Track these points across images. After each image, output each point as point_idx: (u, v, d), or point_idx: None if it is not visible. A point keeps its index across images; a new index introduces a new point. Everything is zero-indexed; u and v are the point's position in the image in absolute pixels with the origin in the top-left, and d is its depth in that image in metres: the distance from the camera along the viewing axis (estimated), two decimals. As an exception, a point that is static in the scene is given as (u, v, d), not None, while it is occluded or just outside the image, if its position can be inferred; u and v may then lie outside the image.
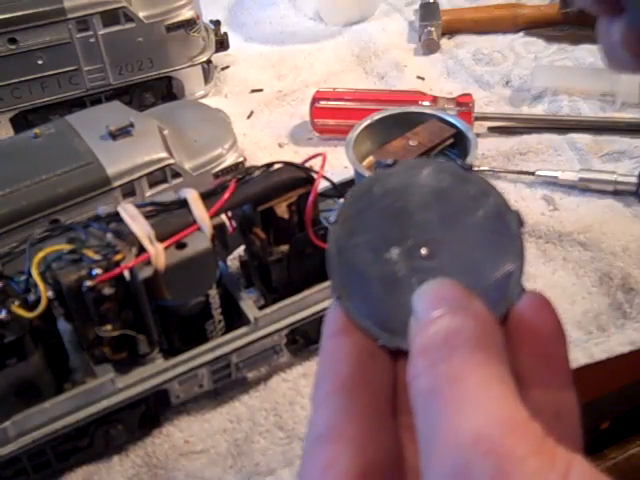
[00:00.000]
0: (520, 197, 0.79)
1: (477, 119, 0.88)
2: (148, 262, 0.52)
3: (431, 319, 0.27)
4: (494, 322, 0.27)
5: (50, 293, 0.51)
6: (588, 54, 0.99)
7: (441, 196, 0.32)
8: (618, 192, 0.77)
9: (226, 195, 0.56)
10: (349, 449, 0.27)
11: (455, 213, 0.32)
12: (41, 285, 0.51)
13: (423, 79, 0.98)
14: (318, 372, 0.30)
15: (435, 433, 0.24)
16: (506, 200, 0.31)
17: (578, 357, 0.64)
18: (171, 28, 0.88)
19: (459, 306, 0.27)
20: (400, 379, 0.30)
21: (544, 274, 0.71)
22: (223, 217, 0.57)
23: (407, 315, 0.29)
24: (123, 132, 0.71)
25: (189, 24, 0.89)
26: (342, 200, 0.33)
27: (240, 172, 0.58)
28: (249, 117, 0.95)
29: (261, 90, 0.99)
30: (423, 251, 0.31)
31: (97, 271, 0.51)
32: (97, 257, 0.52)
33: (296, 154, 0.88)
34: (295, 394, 0.63)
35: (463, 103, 0.87)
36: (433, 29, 1.03)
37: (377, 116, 0.66)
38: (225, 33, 0.98)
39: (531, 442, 0.23)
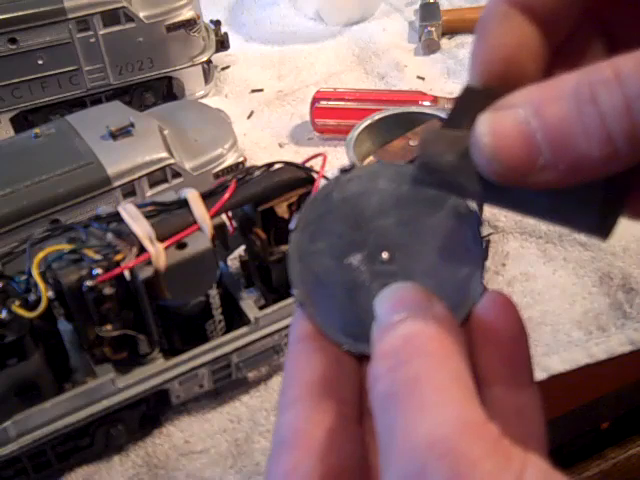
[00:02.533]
0: (520, 197, 0.79)
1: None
2: (148, 262, 0.52)
3: (392, 323, 0.27)
4: (454, 324, 0.27)
5: (50, 293, 0.51)
6: (588, 54, 0.99)
7: (400, 200, 0.32)
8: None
9: (226, 195, 0.56)
10: (312, 455, 0.27)
11: (414, 217, 0.32)
12: (41, 285, 0.51)
13: (423, 79, 0.98)
14: (284, 378, 0.30)
15: (392, 437, 0.24)
16: (465, 202, 0.31)
17: (578, 357, 0.64)
18: (171, 28, 0.88)
19: (419, 309, 0.27)
20: (365, 384, 0.30)
21: (544, 274, 0.71)
22: (223, 217, 0.57)
23: (370, 320, 0.29)
24: (123, 132, 0.71)
25: (189, 24, 0.89)
26: (303, 206, 0.33)
27: (240, 172, 0.58)
28: (249, 117, 0.95)
29: (261, 90, 0.99)
30: (384, 255, 0.31)
31: (97, 271, 0.51)
32: (98, 257, 0.52)
33: (296, 154, 0.88)
34: (295, 394, 0.63)
35: (463, 103, 0.87)
36: (433, 29, 1.03)
37: (377, 116, 0.66)
38: (225, 33, 0.98)
39: (486, 443, 0.23)
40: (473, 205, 0.31)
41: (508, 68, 0.29)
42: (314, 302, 0.31)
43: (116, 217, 0.54)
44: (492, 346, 0.29)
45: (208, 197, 0.56)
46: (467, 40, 1.05)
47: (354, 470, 0.28)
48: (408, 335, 0.26)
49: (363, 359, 0.30)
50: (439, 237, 0.31)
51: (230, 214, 0.61)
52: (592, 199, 0.26)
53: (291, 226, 0.33)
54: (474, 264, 0.30)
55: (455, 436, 0.23)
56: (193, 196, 0.55)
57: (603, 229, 0.27)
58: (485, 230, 0.66)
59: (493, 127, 0.25)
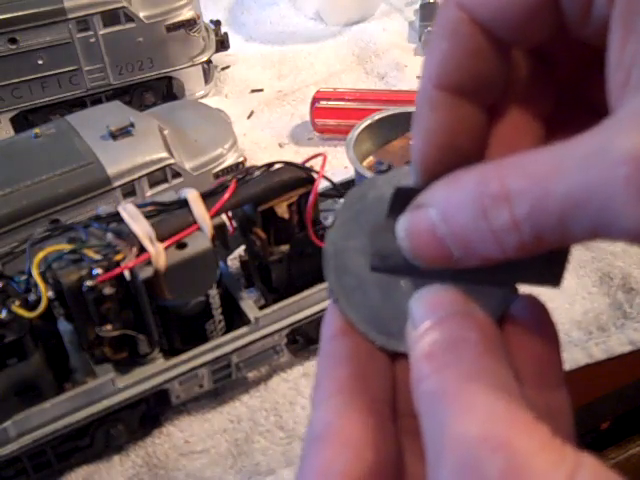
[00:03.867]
0: (520, 197, 0.79)
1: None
2: (148, 262, 0.52)
3: (431, 325, 0.27)
4: (495, 327, 0.28)
5: (50, 293, 0.51)
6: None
7: None
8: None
9: (226, 195, 0.56)
10: (347, 451, 0.27)
11: None
12: (41, 285, 0.51)
13: (423, 79, 0.98)
14: (317, 374, 0.30)
15: (443, 433, 0.24)
16: None
17: (578, 357, 0.64)
18: (171, 28, 0.88)
19: (460, 312, 0.27)
20: (399, 381, 0.30)
21: (544, 274, 0.71)
22: (223, 217, 0.57)
23: (404, 319, 0.29)
24: (123, 132, 0.71)
25: (189, 24, 0.89)
26: (340, 204, 0.34)
27: (240, 172, 0.58)
28: (249, 117, 0.95)
29: (261, 90, 0.99)
30: None
31: (98, 271, 0.51)
32: (98, 257, 0.52)
33: (296, 154, 0.88)
34: (295, 394, 0.63)
35: (463, 103, 0.87)
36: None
37: (377, 116, 0.66)
38: (225, 33, 0.98)
39: (540, 439, 0.23)
40: None
41: (445, 154, 0.29)
42: (348, 299, 0.32)
43: (116, 217, 0.54)
44: (525, 348, 0.29)
45: (208, 197, 0.56)
46: (467, 40, 1.05)
47: (390, 468, 0.28)
48: (452, 336, 0.26)
49: (396, 356, 0.30)
50: None
51: (230, 214, 0.61)
52: (534, 262, 0.28)
53: (327, 223, 0.33)
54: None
55: (508, 431, 0.23)
56: (193, 196, 0.55)
57: (554, 279, 0.30)
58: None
59: (409, 228, 0.28)
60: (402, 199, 0.29)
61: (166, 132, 0.75)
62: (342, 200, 0.34)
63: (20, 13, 0.81)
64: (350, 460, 0.27)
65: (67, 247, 0.52)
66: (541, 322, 0.29)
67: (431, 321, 0.27)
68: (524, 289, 0.30)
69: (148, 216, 0.54)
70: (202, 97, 0.96)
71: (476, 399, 0.24)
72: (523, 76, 0.30)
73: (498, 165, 0.25)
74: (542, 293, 0.29)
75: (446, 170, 0.28)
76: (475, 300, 0.29)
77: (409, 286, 0.31)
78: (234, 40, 1.02)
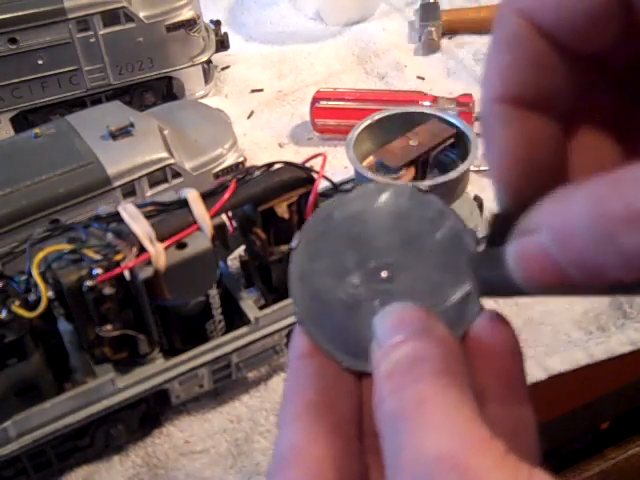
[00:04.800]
0: (520, 197, 0.79)
1: (477, 119, 0.88)
2: (148, 262, 0.52)
3: (393, 344, 0.27)
4: (456, 345, 0.28)
5: (50, 293, 0.51)
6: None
7: (399, 220, 0.33)
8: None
9: (226, 195, 0.56)
10: (311, 472, 0.27)
11: (414, 236, 0.32)
12: (41, 285, 0.51)
13: (423, 79, 0.98)
14: (284, 394, 0.30)
15: (400, 454, 0.25)
16: (462, 220, 0.32)
17: (578, 357, 0.64)
18: (171, 28, 0.88)
19: (421, 330, 0.28)
20: (365, 401, 0.30)
21: (544, 274, 0.71)
22: (223, 217, 0.57)
23: (370, 338, 0.29)
24: (123, 132, 0.71)
25: (189, 24, 0.89)
26: (303, 225, 0.34)
27: (240, 172, 0.58)
28: (249, 117, 0.95)
29: (261, 90, 0.99)
30: (383, 274, 0.32)
31: (97, 271, 0.51)
32: (98, 257, 0.52)
33: (296, 154, 0.88)
34: (295, 394, 0.63)
35: (463, 103, 0.87)
36: (433, 29, 1.03)
37: (377, 116, 0.66)
38: (225, 33, 0.98)
39: (494, 457, 0.23)
40: (469, 225, 0.32)
41: (527, 171, 0.28)
42: (314, 320, 0.32)
43: (116, 217, 0.54)
44: (488, 364, 0.29)
45: (208, 197, 0.56)
46: (467, 40, 1.05)
47: None
48: (411, 356, 0.27)
49: (363, 376, 0.30)
50: (438, 256, 0.32)
51: (230, 214, 0.61)
52: None
53: (292, 245, 0.33)
54: (472, 283, 0.31)
55: (463, 451, 0.23)
56: (193, 196, 0.55)
57: None
58: (485, 230, 0.65)
59: (520, 255, 0.26)
60: (501, 226, 0.28)
61: (166, 132, 0.75)
62: (304, 223, 0.34)
63: (20, 13, 0.81)
64: None
65: (67, 247, 0.52)
66: (504, 338, 0.29)
67: (393, 340, 0.28)
68: (488, 305, 0.30)
69: (148, 216, 0.54)
70: (202, 97, 0.96)
71: (432, 419, 0.24)
72: (589, 83, 0.28)
73: (614, 182, 0.23)
74: (497, 311, 0.30)
75: (533, 189, 0.26)
76: (438, 317, 0.29)
77: (375, 305, 0.31)
78: (234, 40, 1.02)
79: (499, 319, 0.30)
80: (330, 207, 0.34)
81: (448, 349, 0.27)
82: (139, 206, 0.55)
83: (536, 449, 0.29)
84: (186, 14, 0.88)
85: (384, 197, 0.33)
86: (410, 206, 0.33)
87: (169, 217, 0.55)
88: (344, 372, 0.30)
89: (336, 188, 0.63)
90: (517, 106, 0.27)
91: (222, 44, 0.97)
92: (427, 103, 0.88)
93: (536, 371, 0.63)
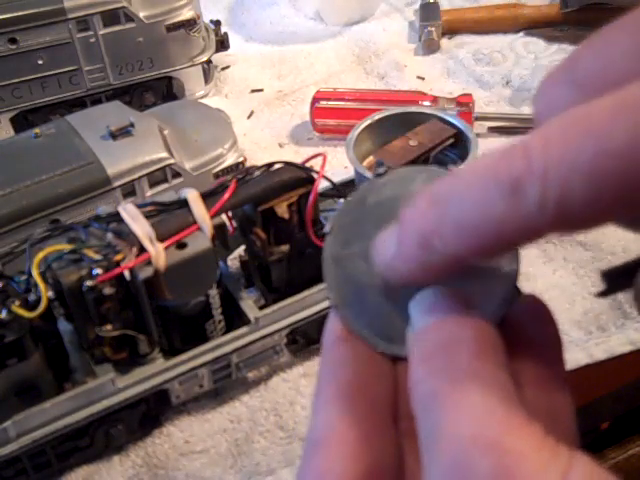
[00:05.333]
0: (520, 197, 0.79)
1: (477, 119, 0.88)
2: (148, 262, 0.52)
3: (429, 326, 0.27)
4: (492, 329, 0.28)
5: (50, 293, 0.51)
6: (588, 54, 0.99)
7: None
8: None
9: (226, 195, 0.56)
10: (346, 455, 0.27)
11: None
12: (41, 285, 0.51)
13: (423, 79, 0.98)
14: (318, 379, 0.30)
15: (436, 435, 0.24)
16: None
17: (578, 357, 0.64)
18: (171, 28, 0.88)
19: (457, 314, 0.27)
20: (400, 385, 0.30)
21: (544, 274, 0.71)
22: (223, 217, 0.57)
23: (404, 323, 0.29)
24: (123, 132, 0.71)
25: (189, 24, 0.89)
26: (336, 210, 0.33)
27: (240, 172, 0.58)
28: (249, 117, 0.95)
29: (261, 90, 0.99)
30: None
31: (97, 271, 0.51)
32: (97, 257, 0.52)
33: (296, 154, 0.88)
34: (295, 394, 0.63)
35: (463, 103, 0.87)
36: (433, 29, 1.03)
37: (377, 116, 0.66)
38: (225, 33, 0.98)
39: (532, 440, 0.23)
40: None
41: None
42: (348, 304, 0.32)
43: (116, 217, 0.54)
44: (526, 349, 0.29)
45: (208, 197, 0.56)
46: (467, 40, 1.05)
47: (389, 472, 0.28)
48: (447, 338, 0.27)
49: (397, 361, 0.30)
50: None
51: (230, 214, 0.61)
52: None
53: (326, 230, 0.33)
54: (509, 267, 0.30)
55: (500, 432, 0.23)
56: (193, 196, 0.55)
57: None
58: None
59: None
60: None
61: (166, 132, 0.75)
62: (339, 206, 0.33)
63: (20, 13, 0.81)
64: (348, 464, 0.27)
65: (67, 247, 0.52)
66: (543, 322, 0.29)
67: (428, 323, 0.28)
68: (526, 289, 0.30)
69: (148, 216, 0.54)
70: (202, 97, 0.96)
71: (468, 400, 0.24)
72: None
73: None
74: (542, 292, 0.30)
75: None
76: (475, 301, 0.28)
77: (409, 290, 0.30)
78: (234, 40, 1.02)
79: (538, 304, 0.30)
80: (363, 192, 0.34)
81: (484, 332, 0.27)
82: (139, 206, 0.55)
83: (575, 435, 0.28)
84: (186, 14, 0.88)
85: (418, 181, 0.33)
86: None
87: (169, 217, 0.55)
88: (379, 356, 0.30)
89: (336, 188, 0.63)
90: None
91: (222, 44, 0.97)
92: (427, 103, 0.88)
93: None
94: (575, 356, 0.64)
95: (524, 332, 0.29)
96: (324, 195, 0.63)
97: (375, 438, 0.28)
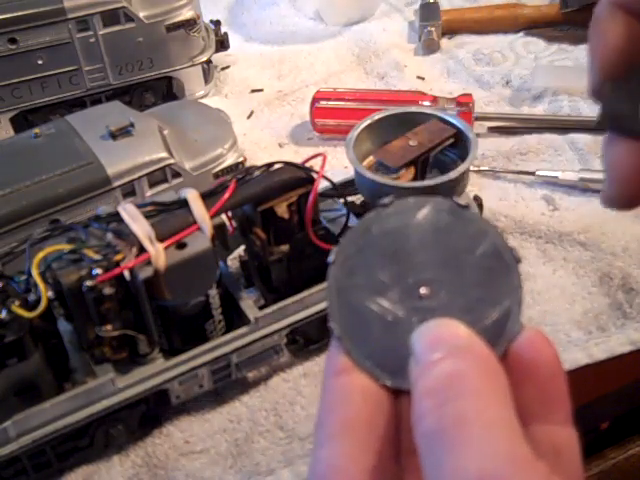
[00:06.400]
0: (520, 197, 0.79)
1: (477, 119, 0.88)
2: (148, 262, 0.52)
3: (433, 360, 0.27)
4: (496, 362, 0.27)
5: (50, 293, 0.51)
6: (588, 54, 0.99)
7: (439, 236, 0.33)
8: (618, 192, 0.77)
9: (226, 195, 0.56)
10: None
11: (454, 252, 0.32)
12: (41, 285, 0.51)
13: (423, 79, 0.98)
14: (320, 411, 0.30)
15: (440, 470, 0.24)
16: (503, 237, 0.32)
17: (578, 357, 0.64)
18: (171, 28, 0.88)
19: (460, 347, 0.27)
20: (403, 419, 0.30)
21: (544, 274, 0.71)
22: (223, 217, 0.57)
23: (407, 355, 0.29)
24: (123, 132, 0.71)
25: (189, 24, 0.89)
26: (341, 240, 0.33)
27: (240, 172, 0.58)
28: (249, 117, 0.95)
29: (261, 90, 0.99)
30: (422, 291, 0.32)
31: (97, 271, 0.51)
32: (97, 257, 0.52)
33: (296, 154, 0.88)
34: (295, 394, 0.63)
35: (463, 103, 0.87)
36: (433, 29, 1.03)
37: (377, 116, 0.66)
38: (225, 33, 0.98)
39: (538, 478, 0.23)
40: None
41: (622, 57, 0.34)
42: (351, 336, 0.31)
43: (116, 217, 0.54)
44: (530, 384, 0.29)
45: (208, 197, 0.56)
46: (467, 40, 1.05)
47: None
48: (451, 373, 0.26)
49: (400, 394, 0.30)
50: (478, 273, 0.32)
51: (230, 214, 0.61)
52: None
53: (329, 260, 0.33)
54: (511, 301, 0.31)
55: (506, 470, 0.23)
56: (193, 196, 0.55)
57: None
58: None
59: None
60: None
61: (166, 132, 0.75)
62: (342, 237, 0.33)
63: (20, 13, 0.81)
64: None
65: (67, 247, 0.52)
66: (546, 357, 0.29)
67: (432, 357, 0.27)
68: (529, 324, 0.30)
69: (148, 216, 0.54)
70: (202, 97, 0.96)
71: (473, 435, 0.24)
72: None
73: None
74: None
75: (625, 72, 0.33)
76: (478, 334, 0.28)
77: (413, 322, 0.31)
78: (234, 40, 1.02)
79: (541, 337, 0.30)
80: (368, 221, 0.34)
81: (488, 366, 0.27)
82: (139, 206, 0.55)
83: (580, 470, 0.28)
84: (186, 14, 0.88)
85: (423, 212, 0.33)
86: (449, 221, 0.33)
87: (169, 217, 0.55)
88: (381, 389, 0.30)
89: (336, 188, 0.63)
90: (625, 11, 0.35)
91: (222, 44, 0.97)
92: (427, 103, 0.88)
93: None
94: (575, 356, 0.64)
95: (527, 366, 0.29)
96: (324, 195, 0.63)
97: (378, 474, 0.28)
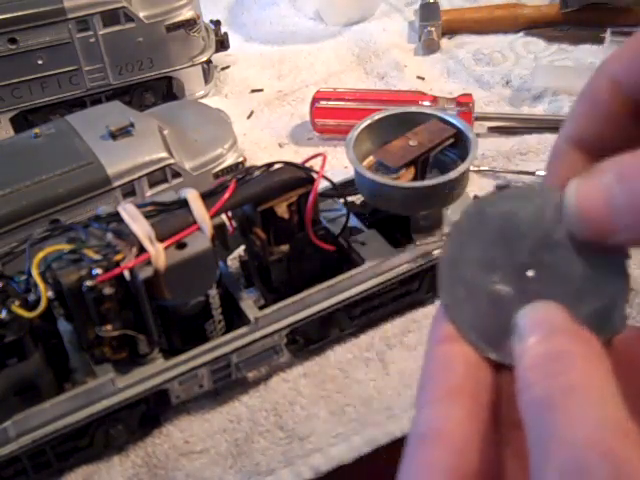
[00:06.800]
0: (520, 197, 0.79)
1: (477, 119, 0.88)
2: (148, 262, 0.52)
3: (539, 339, 0.28)
4: (601, 347, 0.28)
5: (50, 293, 0.51)
6: (588, 54, 0.99)
7: (549, 223, 0.34)
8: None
9: (226, 195, 0.56)
10: (452, 452, 0.28)
11: (562, 239, 0.33)
12: (41, 285, 0.51)
13: (423, 79, 0.98)
14: (423, 375, 0.31)
15: (549, 438, 0.25)
16: None
17: (578, 357, 0.64)
18: (171, 28, 0.88)
19: (566, 330, 0.28)
20: (504, 393, 0.31)
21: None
22: (223, 217, 0.57)
23: (510, 332, 0.30)
24: (123, 132, 0.71)
25: (189, 24, 0.89)
26: (459, 217, 0.36)
27: (240, 172, 0.58)
28: (249, 117, 0.95)
29: (261, 90, 0.99)
30: (529, 273, 0.33)
31: (97, 271, 0.51)
32: (97, 257, 0.52)
33: (296, 154, 0.88)
34: (295, 394, 0.63)
35: (463, 103, 0.87)
36: (433, 29, 1.03)
37: (377, 116, 0.66)
38: (225, 33, 0.98)
39: None
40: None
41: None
42: (458, 306, 0.33)
43: (116, 217, 0.54)
44: (632, 379, 0.29)
45: (208, 197, 0.56)
46: (467, 40, 1.05)
47: (489, 473, 0.29)
48: (558, 349, 0.27)
49: (501, 369, 0.31)
50: (586, 263, 0.33)
51: (230, 214, 0.61)
52: None
53: (447, 232, 0.35)
54: (618, 295, 0.32)
55: (615, 440, 0.24)
56: (193, 196, 0.55)
57: None
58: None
59: (579, 189, 0.30)
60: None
61: (166, 132, 0.75)
62: (461, 214, 0.36)
63: (20, 13, 0.81)
64: (455, 459, 0.28)
65: (67, 247, 0.52)
66: None
67: (538, 336, 0.28)
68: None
69: (148, 216, 0.54)
70: (202, 97, 0.96)
71: (583, 406, 0.25)
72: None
73: None
74: None
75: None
76: (581, 321, 0.29)
77: (518, 300, 0.32)
78: (234, 40, 1.02)
79: None
80: (483, 203, 0.36)
81: (594, 349, 0.27)
82: (139, 206, 0.55)
83: None
84: (186, 14, 0.88)
85: (537, 201, 0.35)
86: (559, 214, 0.34)
87: (169, 217, 0.55)
88: (483, 362, 0.31)
89: (336, 188, 0.63)
90: (576, 147, 0.34)
91: (222, 44, 0.97)
92: (427, 103, 0.88)
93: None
94: (575, 356, 0.64)
95: (631, 361, 0.30)
96: (324, 195, 0.63)
97: (479, 441, 0.28)
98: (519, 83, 0.95)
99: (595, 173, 0.29)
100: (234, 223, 0.62)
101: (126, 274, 0.53)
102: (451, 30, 1.06)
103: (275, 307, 0.60)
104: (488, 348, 0.31)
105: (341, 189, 0.64)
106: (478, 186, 0.80)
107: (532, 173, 0.80)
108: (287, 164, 0.60)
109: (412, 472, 0.28)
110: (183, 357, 0.58)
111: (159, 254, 0.52)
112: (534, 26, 1.04)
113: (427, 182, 0.60)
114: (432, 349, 0.31)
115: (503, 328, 0.31)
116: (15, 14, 0.81)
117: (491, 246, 0.34)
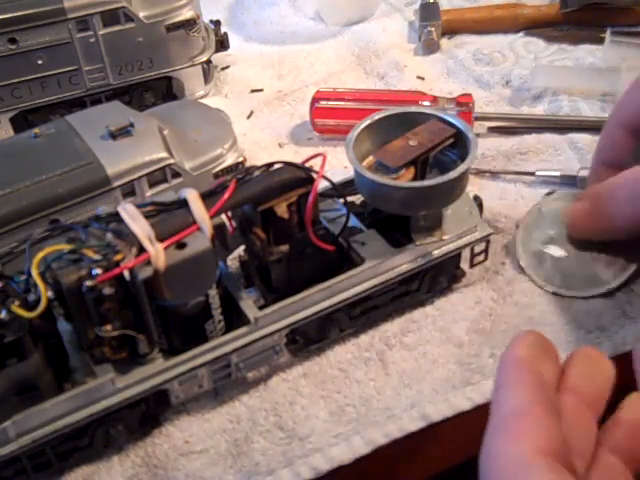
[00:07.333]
0: (520, 197, 0.79)
1: (477, 119, 0.88)
2: (148, 262, 0.52)
3: None
4: None
5: (50, 293, 0.51)
6: (588, 54, 0.99)
7: None
8: (618, 192, 0.77)
9: (226, 195, 0.56)
10: (538, 426, 0.31)
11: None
12: (41, 285, 0.51)
13: (423, 79, 0.98)
14: (503, 362, 0.37)
15: None
16: None
17: (578, 357, 0.64)
18: (171, 28, 0.88)
19: None
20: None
21: (544, 274, 0.71)
22: (223, 217, 0.57)
23: (569, 274, 0.61)
24: (123, 132, 0.71)
25: (189, 24, 0.89)
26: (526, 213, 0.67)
27: (240, 172, 0.58)
28: (249, 117, 0.95)
29: (261, 90, 0.99)
30: (567, 246, 0.66)
31: (97, 271, 0.51)
32: (97, 257, 0.52)
33: (296, 154, 0.88)
34: (295, 394, 0.63)
35: (463, 103, 0.87)
36: (433, 29, 1.03)
37: (377, 116, 0.66)
38: (225, 33, 0.98)
39: None
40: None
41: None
42: (531, 268, 0.67)
43: (116, 217, 0.54)
44: None
45: (208, 197, 0.56)
46: (467, 40, 1.05)
47: (569, 458, 0.33)
48: None
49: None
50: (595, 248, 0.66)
51: (230, 214, 0.61)
52: None
53: (518, 223, 0.70)
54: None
55: None
56: (193, 196, 0.55)
57: None
58: (485, 230, 0.66)
59: (572, 207, 0.65)
60: None
61: (166, 132, 0.75)
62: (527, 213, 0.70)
63: (20, 13, 0.81)
64: (540, 434, 0.31)
65: (67, 247, 0.52)
66: None
67: None
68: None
69: (148, 216, 0.54)
70: (202, 97, 0.96)
71: None
72: None
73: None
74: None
75: None
76: None
77: (571, 260, 0.64)
78: (234, 40, 1.02)
79: None
80: (540, 203, 0.71)
81: None
82: (139, 206, 0.55)
83: None
84: (186, 14, 0.88)
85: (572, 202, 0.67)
86: None
87: (169, 217, 0.55)
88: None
89: (336, 188, 0.63)
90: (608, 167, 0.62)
91: (222, 44, 0.97)
92: (427, 103, 0.88)
93: (536, 371, 0.63)
94: (575, 356, 0.64)
95: None
96: (324, 195, 0.63)
97: (558, 430, 0.32)
98: (519, 83, 0.95)
99: (582, 197, 0.56)
100: (234, 223, 0.62)
101: (126, 274, 0.53)
102: (451, 30, 1.06)
103: (275, 307, 0.60)
104: (552, 286, 0.64)
105: (341, 189, 0.64)
106: (478, 186, 0.80)
107: (532, 173, 0.80)
108: (287, 164, 0.60)
109: (501, 448, 0.31)
110: (183, 357, 0.58)
111: (159, 254, 0.52)
112: (534, 26, 1.04)
113: (427, 182, 0.60)
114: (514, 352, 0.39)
115: (562, 275, 0.64)
116: (15, 14, 0.81)
117: (547, 229, 0.67)
